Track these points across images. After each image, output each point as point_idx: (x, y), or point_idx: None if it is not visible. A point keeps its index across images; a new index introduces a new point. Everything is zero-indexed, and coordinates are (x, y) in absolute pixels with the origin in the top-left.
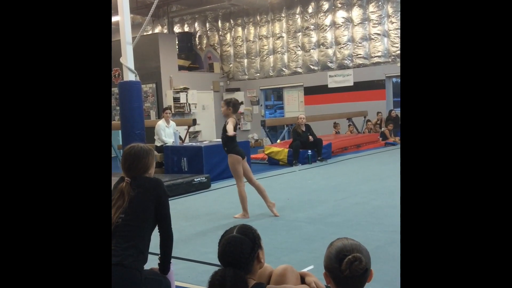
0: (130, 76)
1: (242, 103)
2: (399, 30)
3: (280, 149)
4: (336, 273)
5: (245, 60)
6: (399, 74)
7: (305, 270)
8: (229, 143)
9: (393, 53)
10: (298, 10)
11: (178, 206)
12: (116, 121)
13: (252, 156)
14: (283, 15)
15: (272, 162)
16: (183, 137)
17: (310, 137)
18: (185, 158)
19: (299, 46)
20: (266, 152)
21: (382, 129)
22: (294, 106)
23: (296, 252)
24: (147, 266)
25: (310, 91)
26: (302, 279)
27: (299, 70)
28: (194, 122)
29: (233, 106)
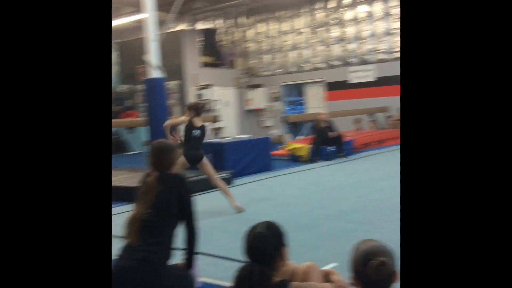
0: (155, 74)
1: (203, 106)
2: None
3: (301, 146)
4: (363, 276)
5: (267, 56)
6: None
7: (328, 267)
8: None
9: None
10: (319, 5)
11: (201, 202)
12: (142, 118)
13: (273, 152)
14: (304, 10)
15: (294, 159)
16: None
17: (331, 133)
18: (208, 154)
19: (320, 42)
20: (288, 149)
21: None
22: (316, 102)
23: (317, 249)
24: (172, 262)
25: (331, 87)
26: (326, 277)
27: (320, 65)
28: (216, 118)
29: (194, 109)
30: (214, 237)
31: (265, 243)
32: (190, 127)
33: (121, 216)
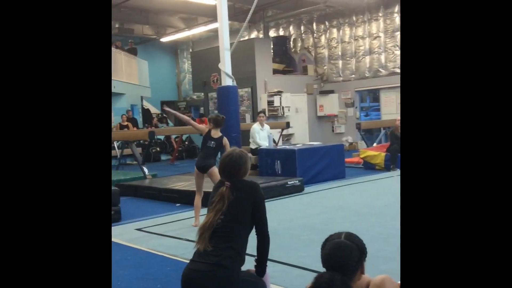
0: (227, 81)
1: (222, 119)
2: None
3: (376, 153)
4: None
5: (340, 62)
6: None
7: None
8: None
9: None
10: (396, 8)
11: (272, 209)
12: None
13: (347, 160)
14: (380, 14)
15: (368, 167)
16: (276, 140)
17: None
18: (278, 161)
19: (398, 46)
20: (362, 156)
21: None
22: (392, 108)
23: (394, 261)
24: (244, 268)
25: None
26: None
27: (397, 70)
28: (288, 125)
29: (213, 122)
30: (285, 244)
31: (349, 254)
32: (207, 137)
33: (192, 220)
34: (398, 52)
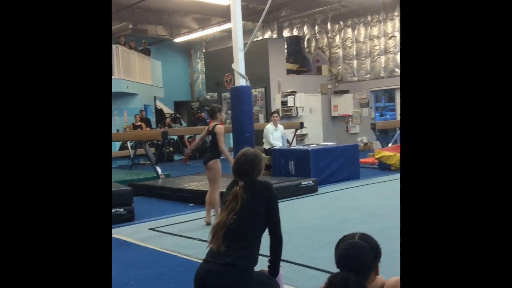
0: (241, 82)
1: (216, 107)
2: None
3: (391, 154)
4: None
5: (355, 62)
6: None
7: None
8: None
9: None
10: None
11: (285, 209)
12: (227, 125)
13: (361, 160)
14: (396, 13)
15: (383, 167)
16: (290, 140)
17: None
18: (292, 161)
19: None
20: (377, 157)
21: None
22: None
23: None
24: (257, 268)
25: None
26: None
27: None
28: (301, 125)
29: (208, 113)
30: (299, 245)
31: (363, 254)
32: (208, 130)
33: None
34: None
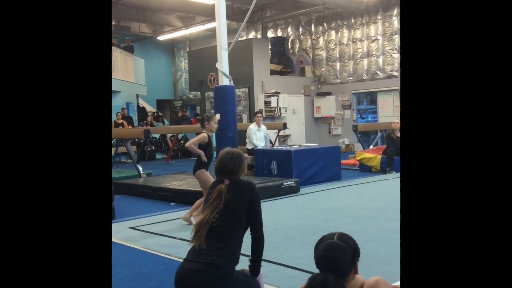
0: (225, 81)
1: (202, 117)
2: None
3: (372, 156)
4: None
5: (338, 64)
6: None
7: (398, 283)
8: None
9: None
10: (395, 11)
11: (267, 209)
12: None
13: (343, 161)
14: (379, 17)
15: (364, 169)
16: (273, 141)
17: None
18: (274, 162)
19: (396, 49)
20: (358, 158)
21: None
22: (389, 111)
23: (389, 264)
24: (238, 267)
25: None
26: None
27: (395, 73)
28: (284, 126)
29: (200, 121)
30: (280, 244)
31: (343, 255)
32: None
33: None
34: (396, 55)
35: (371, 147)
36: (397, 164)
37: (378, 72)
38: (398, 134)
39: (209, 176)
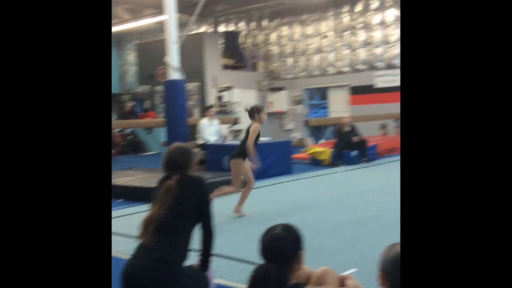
0: (175, 75)
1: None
2: None
3: (323, 149)
4: (396, 277)
5: (290, 59)
6: None
7: (347, 273)
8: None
9: None
10: (346, 8)
11: (218, 204)
12: (160, 119)
13: (294, 156)
14: (330, 13)
15: (315, 162)
16: (225, 136)
17: (355, 137)
18: (227, 157)
19: (346, 45)
20: (309, 152)
21: None
22: (339, 106)
23: (338, 255)
24: (188, 263)
25: (356, 91)
26: (341, 281)
27: (345, 69)
28: (237, 120)
29: (249, 113)
30: (230, 239)
31: (284, 245)
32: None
33: (138, 216)
34: (346, 51)
35: (321, 141)
36: (346, 158)
37: (329, 68)
38: (347, 129)
39: (246, 167)
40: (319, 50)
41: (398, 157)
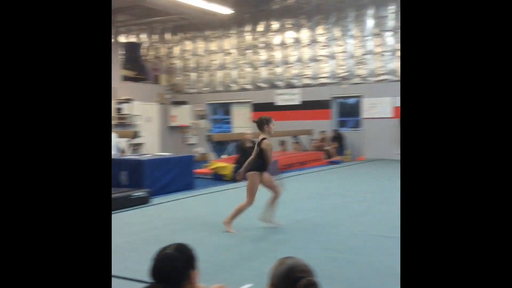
0: None
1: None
2: (345, 53)
3: (225, 165)
4: None
5: (194, 74)
6: (345, 95)
7: None
8: None
9: (339, 75)
10: (248, 28)
11: (115, 222)
12: None
13: (197, 170)
14: (233, 32)
15: (217, 177)
16: (124, 149)
17: None
18: (125, 171)
19: (248, 63)
20: (211, 167)
21: (327, 147)
22: (242, 122)
23: (234, 270)
24: None
25: (258, 108)
26: None
27: (248, 86)
28: (137, 134)
29: (258, 124)
30: (126, 258)
31: (172, 265)
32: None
33: None
34: (248, 69)
35: (224, 156)
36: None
37: (232, 84)
38: (249, 145)
39: (268, 179)
40: (222, 67)
41: (296, 173)
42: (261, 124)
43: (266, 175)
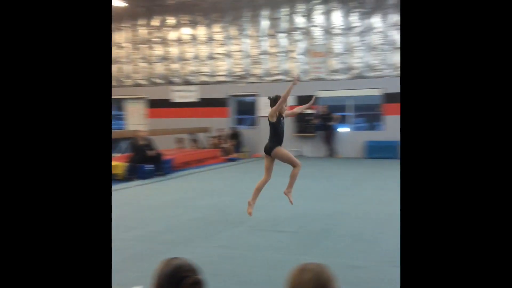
0: None
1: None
2: (242, 52)
3: (117, 163)
4: None
5: None
6: (242, 93)
7: None
8: None
9: (235, 74)
10: (142, 22)
11: None
12: None
13: None
14: (127, 25)
15: None
16: None
17: (150, 151)
18: None
19: (143, 58)
20: None
21: (225, 145)
22: (136, 119)
23: (122, 272)
24: None
25: (153, 104)
26: None
27: (142, 82)
28: None
29: (272, 101)
30: None
31: None
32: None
33: None
34: (143, 64)
35: (116, 154)
36: (140, 172)
37: (126, 80)
38: (143, 142)
39: (285, 152)
40: (114, 61)
41: (193, 170)
42: (275, 100)
43: (283, 148)
